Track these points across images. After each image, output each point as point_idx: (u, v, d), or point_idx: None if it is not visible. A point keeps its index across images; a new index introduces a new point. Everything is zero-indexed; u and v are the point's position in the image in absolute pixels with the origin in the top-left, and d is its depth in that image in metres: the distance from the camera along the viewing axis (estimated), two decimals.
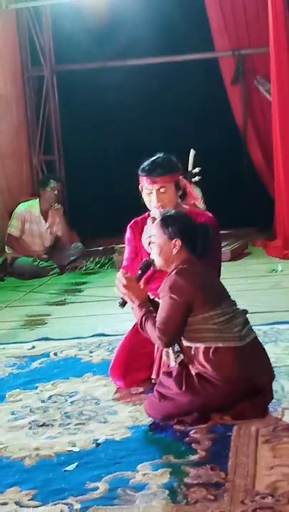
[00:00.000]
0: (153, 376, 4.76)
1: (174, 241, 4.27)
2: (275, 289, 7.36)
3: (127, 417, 4.41)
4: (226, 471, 3.59)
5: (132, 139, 10.34)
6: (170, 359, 4.30)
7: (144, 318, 4.31)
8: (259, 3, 9.99)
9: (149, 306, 4.35)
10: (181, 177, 4.96)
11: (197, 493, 3.40)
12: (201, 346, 4.16)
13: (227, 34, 10.42)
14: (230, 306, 4.27)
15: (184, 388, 4.17)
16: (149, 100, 10.53)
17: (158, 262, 4.36)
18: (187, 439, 4.01)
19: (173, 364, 4.29)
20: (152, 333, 4.24)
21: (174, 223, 4.29)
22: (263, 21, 9.78)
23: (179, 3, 10.11)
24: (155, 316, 4.25)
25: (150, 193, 4.77)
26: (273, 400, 4.34)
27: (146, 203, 4.85)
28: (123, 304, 4.52)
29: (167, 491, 3.45)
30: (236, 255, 9.05)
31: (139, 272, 4.46)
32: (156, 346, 4.68)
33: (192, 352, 4.19)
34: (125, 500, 3.42)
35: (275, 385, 4.46)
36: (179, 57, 10.64)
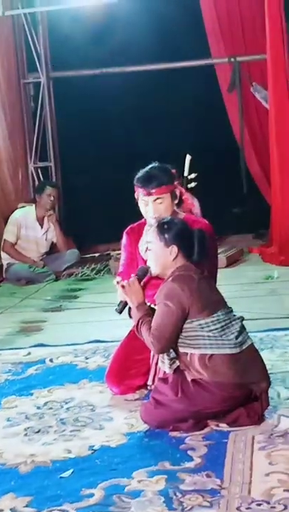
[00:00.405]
0: (149, 383, 4.77)
1: (170, 248, 4.27)
2: (270, 296, 7.37)
3: (122, 423, 4.41)
4: (222, 477, 3.59)
5: (128, 146, 10.36)
6: (165, 365, 4.30)
7: (140, 322, 4.31)
8: (255, 10, 10.02)
9: (147, 309, 4.35)
10: (176, 183, 4.95)
11: (193, 500, 3.40)
12: (197, 353, 4.16)
13: (223, 41, 10.45)
14: (227, 313, 4.26)
15: (179, 395, 4.17)
16: (146, 107, 10.54)
17: (154, 268, 4.37)
18: (183, 445, 4.01)
19: (168, 371, 4.29)
20: (147, 338, 4.25)
21: (170, 230, 4.29)
22: (259, 28, 9.81)
23: (175, 10, 10.13)
24: (151, 320, 4.25)
25: (146, 204, 4.76)
26: (269, 407, 4.34)
27: (143, 213, 4.84)
28: (122, 308, 4.50)
29: (163, 498, 3.44)
30: (232, 262, 9.05)
31: (136, 277, 4.46)
32: (152, 353, 4.68)
33: (188, 358, 4.20)
34: (121, 507, 3.41)
35: (271, 392, 4.46)
36: (176, 64, 10.66)
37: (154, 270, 4.37)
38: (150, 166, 4.84)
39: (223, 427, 4.17)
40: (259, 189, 10.49)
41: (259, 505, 3.30)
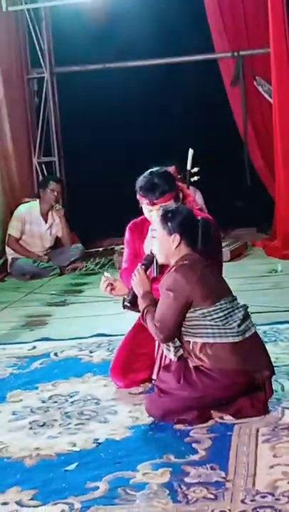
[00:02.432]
0: (154, 376, 4.77)
1: (173, 236, 4.29)
2: (274, 289, 7.37)
3: (127, 417, 4.43)
4: (226, 470, 3.60)
5: (132, 140, 10.35)
6: (170, 353, 4.32)
7: (145, 311, 4.34)
8: (258, 4, 10.00)
9: (152, 298, 4.37)
10: (178, 178, 4.93)
11: (197, 493, 3.41)
12: (199, 342, 4.18)
13: (226, 35, 10.42)
14: (231, 301, 4.28)
15: (181, 381, 4.20)
16: (149, 101, 10.54)
17: (159, 256, 4.39)
18: (187, 438, 4.02)
19: (173, 358, 4.31)
20: (151, 327, 4.29)
21: (174, 218, 4.31)
22: (262, 22, 9.79)
23: (178, 5, 10.12)
24: (155, 310, 4.27)
25: (150, 210, 4.74)
26: (273, 400, 4.35)
27: (147, 217, 4.82)
28: (132, 297, 4.51)
29: (167, 491, 3.46)
30: (236, 256, 9.05)
31: (143, 266, 4.47)
32: (156, 347, 4.70)
33: (190, 346, 4.22)
34: (125, 499, 3.43)
35: (275, 385, 4.48)
36: (179, 59, 10.64)
37: (159, 258, 4.40)
38: (150, 172, 4.76)
39: (228, 419, 4.19)
40: (262, 183, 10.48)
41: (263, 497, 3.31)
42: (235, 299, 4.33)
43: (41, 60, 10.73)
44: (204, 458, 3.77)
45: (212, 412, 4.24)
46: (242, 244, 9.47)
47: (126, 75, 10.58)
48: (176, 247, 4.29)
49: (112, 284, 4.87)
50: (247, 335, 4.21)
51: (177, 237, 4.28)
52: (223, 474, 3.56)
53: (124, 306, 4.63)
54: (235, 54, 10.38)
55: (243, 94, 10.48)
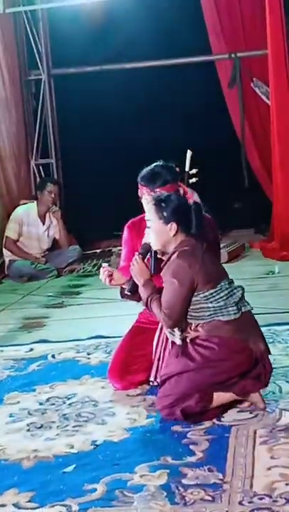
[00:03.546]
0: (151, 378, 4.77)
1: (169, 224, 4.31)
2: (272, 291, 7.38)
3: (124, 418, 4.42)
4: (224, 472, 3.60)
5: (129, 142, 10.35)
6: (176, 337, 4.34)
7: (149, 299, 4.36)
8: (255, 5, 10.02)
9: (154, 286, 4.39)
10: (179, 183, 4.94)
11: (195, 495, 3.41)
12: (201, 322, 4.25)
13: (223, 37, 10.44)
14: (229, 282, 4.35)
15: (178, 356, 4.26)
16: (146, 103, 10.54)
17: (155, 245, 4.41)
18: (185, 440, 4.02)
19: (179, 342, 4.32)
20: (158, 314, 4.31)
21: (168, 207, 4.33)
22: (260, 24, 9.81)
23: (175, 7, 10.13)
24: (159, 297, 4.30)
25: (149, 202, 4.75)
26: (271, 401, 4.36)
27: (146, 210, 4.82)
28: (132, 287, 4.51)
29: (165, 493, 3.46)
30: (233, 257, 9.06)
31: (140, 255, 4.48)
32: (154, 348, 4.70)
33: (191, 328, 4.28)
34: (123, 501, 3.43)
35: (272, 387, 4.50)
36: (176, 61, 10.66)
37: (155, 246, 4.41)
38: (154, 164, 4.82)
39: (225, 421, 4.19)
40: (260, 184, 10.49)
41: (261, 499, 3.31)
42: (233, 282, 4.39)
43: (39, 62, 10.74)
44: (202, 460, 3.77)
45: (214, 394, 4.25)
46: (239, 245, 9.48)
47: (123, 76, 10.59)
48: (174, 235, 4.32)
49: (110, 275, 4.84)
50: (243, 310, 4.30)
51: (174, 225, 4.31)
52: (220, 476, 3.56)
53: (124, 295, 4.65)
54: (233, 55, 10.40)
55: (241, 96, 10.49)
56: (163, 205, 4.34)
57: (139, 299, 4.54)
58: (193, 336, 4.27)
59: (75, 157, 10.76)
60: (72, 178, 10.86)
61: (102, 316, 6.84)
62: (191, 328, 4.29)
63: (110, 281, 4.82)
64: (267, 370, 4.33)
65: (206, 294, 4.22)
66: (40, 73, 10.78)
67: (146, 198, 4.73)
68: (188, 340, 4.28)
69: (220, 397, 4.26)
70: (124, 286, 4.64)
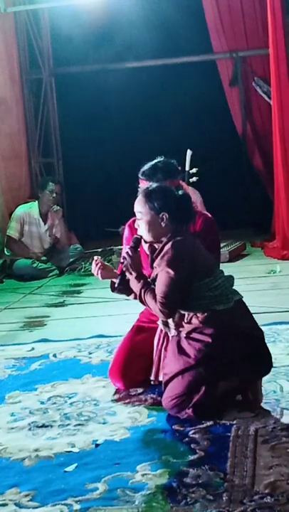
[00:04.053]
0: (152, 377, 4.77)
1: (161, 215, 4.32)
2: (273, 290, 7.38)
3: (126, 417, 4.42)
4: (225, 471, 3.60)
5: (131, 141, 10.37)
6: (170, 329, 4.35)
7: (143, 291, 4.36)
8: (256, 5, 10.03)
9: (146, 278, 4.40)
10: (180, 181, 4.96)
11: (196, 493, 3.41)
12: (196, 312, 4.24)
13: (225, 36, 10.45)
14: (221, 272, 4.39)
15: (176, 355, 4.26)
16: (148, 102, 10.55)
17: (147, 237, 4.41)
18: (186, 439, 4.02)
19: (173, 333, 4.34)
20: (153, 306, 4.30)
21: (158, 197, 4.35)
22: (261, 23, 9.83)
23: (177, 6, 10.14)
24: (153, 289, 4.30)
25: None
26: (272, 400, 4.36)
27: None
28: (122, 280, 4.51)
29: (166, 492, 3.45)
30: (235, 256, 9.07)
31: (132, 248, 4.48)
32: (155, 348, 4.70)
33: (185, 319, 4.28)
34: (124, 500, 3.42)
35: (273, 386, 4.50)
36: (177, 60, 10.67)
37: (147, 238, 4.41)
38: (156, 160, 4.86)
39: (226, 420, 4.19)
40: (261, 183, 10.49)
41: (262, 498, 3.31)
42: (222, 271, 4.43)
43: (40, 61, 10.75)
44: (203, 459, 3.76)
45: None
46: (241, 244, 9.48)
47: (124, 75, 10.60)
48: (165, 225, 4.32)
49: (102, 267, 4.78)
50: (235, 298, 4.31)
51: (166, 215, 4.32)
52: (221, 475, 3.56)
53: (114, 289, 4.65)
54: (234, 55, 10.41)
55: (242, 95, 10.49)
56: (153, 196, 4.36)
57: (130, 293, 4.54)
58: (188, 329, 4.26)
59: (76, 156, 10.78)
60: (74, 177, 10.87)
61: (103, 315, 6.85)
62: (184, 320, 4.28)
63: (101, 273, 4.77)
64: (266, 355, 4.35)
65: (201, 283, 4.24)
66: (41, 72, 10.79)
67: None
68: (183, 335, 4.28)
69: (224, 386, 4.27)
70: (114, 280, 4.63)
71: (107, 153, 10.67)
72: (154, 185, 4.48)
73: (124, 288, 4.56)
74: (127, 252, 4.46)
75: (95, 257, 4.85)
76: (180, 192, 4.47)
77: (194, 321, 4.26)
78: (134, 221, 5.00)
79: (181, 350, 4.27)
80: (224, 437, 3.99)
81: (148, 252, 4.48)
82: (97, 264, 4.76)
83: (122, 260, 4.51)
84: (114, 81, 10.48)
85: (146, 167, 4.82)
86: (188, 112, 10.47)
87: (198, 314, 4.25)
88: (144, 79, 10.57)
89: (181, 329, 4.31)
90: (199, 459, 3.77)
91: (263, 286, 7.53)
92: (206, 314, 4.24)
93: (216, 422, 4.18)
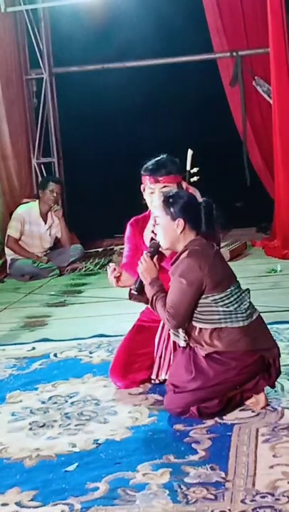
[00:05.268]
0: (153, 377, 4.78)
1: (176, 221, 4.27)
2: (274, 289, 7.37)
3: (127, 417, 4.42)
4: (226, 470, 3.60)
5: (131, 141, 10.36)
6: (180, 339, 4.32)
7: (154, 298, 4.33)
8: (257, 4, 10.01)
9: (161, 285, 4.36)
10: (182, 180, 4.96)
11: (197, 493, 3.41)
12: (209, 327, 4.18)
13: (225, 35, 10.43)
14: (238, 286, 4.31)
15: (193, 373, 4.20)
16: (148, 102, 10.53)
17: (163, 243, 4.36)
18: (187, 439, 4.02)
19: (182, 344, 4.31)
20: (162, 314, 4.27)
21: (176, 203, 4.29)
22: (261, 22, 9.80)
23: (177, 5, 10.12)
24: (165, 296, 4.26)
25: (152, 192, 4.75)
26: (273, 400, 4.36)
27: (148, 203, 4.84)
28: (139, 286, 4.49)
29: (167, 491, 3.46)
30: (235, 255, 9.05)
31: (149, 253, 4.45)
32: (155, 347, 4.70)
33: (196, 333, 4.23)
34: (125, 500, 3.43)
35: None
36: (178, 59, 10.65)
37: (164, 245, 4.37)
38: (159, 156, 4.86)
39: (227, 419, 4.19)
40: (262, 183, 10.48)
41: (263, 497, 3.31)
42: (240, 285, 4.36)
43: (40, 61, 10.73)
44: (204, 458, 3.77)
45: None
46: (242, 244, 9.47)
47: (125, 75, 10.58)
48: (181, 232, 4.28)
49: (118, 276, 4.80)
50: (253, 317, 4.25)
51: (181, 221, 4.26)
52: (222, 474, 3.56)
53: (131, 296, 4.60)
54: (234, 54, 10.39)
55: (242, 94, 10.48)
56: (171, 200, 4.30)
57: (147, 301, 4.50)
58: (209, 350, 4.21)
59: (77, 156, 10.76)
60: (74, 176, 10.85)
61: (104, 314, 6.84)
62: (198, 334, 4.24)
63: (118, 281, 4.79)
64: (277, 373, 4.34)
65: (216, 297, 4.17)
66: (41, 72, 10.77)
67: (150, 187, 4.73)
68: (202, 354, 4.23)
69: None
70: (131, 287, 4.62)
71: (108, 153, 10.66)
72: (174, 190, 4.46)
73: (139, 293, 4.53)
74: (143, 257, 4.44)
75: (111, 264, 4.84)
76: (204, 199, 4.43)
77: (215, 342, 4.18)
78: (136, 220, 5.00)
79: (198, 369, 4.21)
80: (225, 437, 3.99)
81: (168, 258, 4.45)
82: (112, 272, 4.75)
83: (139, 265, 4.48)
84: (114, 81, 10.46)
85: (149, 163, 4.82)
86: (189, 112, 10.45)
87: (219, 334, 4.18)
88: (144, 78, 10.55)
89: (199, 347, 4.25)
90: (200, 458, 3.78)
91: (264, 286, 7.52)
92: (223, 332, 4.17)
93: (216, 422, 4.18)
